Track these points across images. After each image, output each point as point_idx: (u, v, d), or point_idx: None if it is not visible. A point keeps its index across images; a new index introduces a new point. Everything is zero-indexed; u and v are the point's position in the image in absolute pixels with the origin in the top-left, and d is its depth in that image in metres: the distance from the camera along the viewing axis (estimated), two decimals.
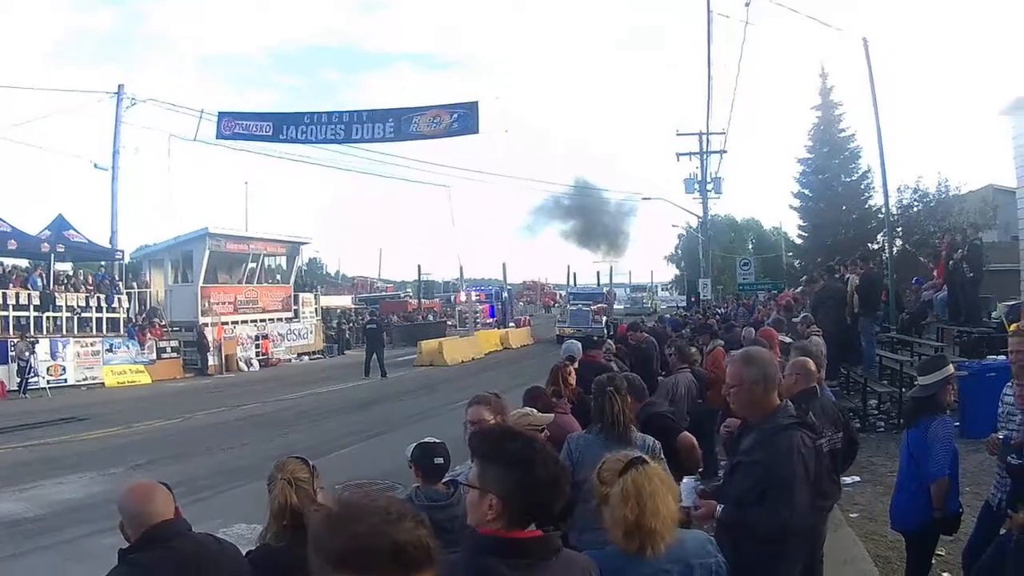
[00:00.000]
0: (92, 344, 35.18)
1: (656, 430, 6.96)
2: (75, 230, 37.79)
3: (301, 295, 50.68)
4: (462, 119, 40.53)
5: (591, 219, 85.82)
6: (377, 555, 2.16)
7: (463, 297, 69.02)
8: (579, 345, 13.92)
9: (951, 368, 7.73)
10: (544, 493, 3.34)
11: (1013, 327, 9.71)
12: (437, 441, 6.05)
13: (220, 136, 42.51)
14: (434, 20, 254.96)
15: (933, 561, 8.09)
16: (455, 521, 3.48)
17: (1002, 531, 7.07)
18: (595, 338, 16.80)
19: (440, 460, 5.90)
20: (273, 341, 46.01)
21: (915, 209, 50.10)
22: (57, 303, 35.37)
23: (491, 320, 68.26)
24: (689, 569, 4.11)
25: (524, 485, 3.30)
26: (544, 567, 3.28)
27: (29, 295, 34.31)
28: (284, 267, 51.28)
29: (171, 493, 4.63)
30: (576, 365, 11.69)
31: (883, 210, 37.53)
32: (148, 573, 4.18)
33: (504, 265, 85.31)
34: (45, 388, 31.44)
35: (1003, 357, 15.06)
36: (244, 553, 4.99)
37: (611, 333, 32.96)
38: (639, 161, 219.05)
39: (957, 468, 7.50)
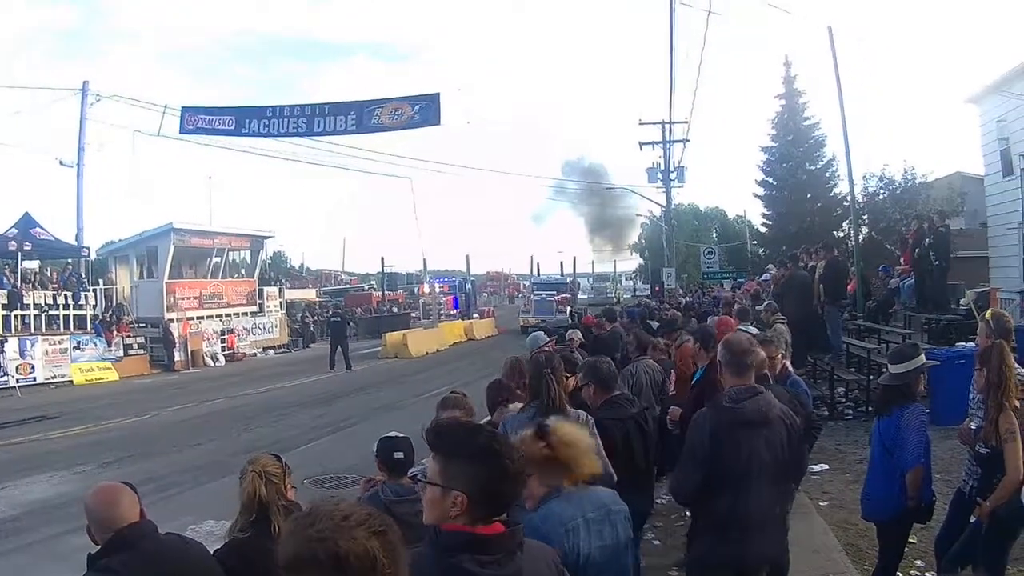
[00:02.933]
0: (60, 342, 34.91)
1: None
2: (42, 228, 37.50)
3: (266, 289, 50.59)
4: (423, 111, 40.41)
5: (604, 209, 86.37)
6: (319, 561, 2.19)
7: (427, 289, 69.46)
8: (544, 336, 13.96)
9: (923, 357, 7.76)
10: (510, 486, 3.36)
11: (988, 313, 9.80)
12: (400, 435, 6.09)
13: (183, 131, 42.13)
14: (392, 10, 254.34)
15: (905, 549, 8.14)
16: (420, 515, 3.49)
17: (972, 519, 7.17)
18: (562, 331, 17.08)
19: (400, 455, 5.93)
20: (238, 335, 45.89)
21: (881, 197, 50.16)
22: (25, 301, 35.11)
23: (455, 311, 68.77)
24: (608, 513, 4.64)
25: (492, 479, 3.30)
26: (510, 561, 3.28)
27: None
28: (248, 261, 51.01)
29: (136, 494, 4.64)
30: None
31: (848, 198, 37.74)
32: None
33: (467, 256, 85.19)
34: (15, 387, 31.27)
35: (972, 344, 15.20)
36: (213, 552, 5.04)
37: (575, 323, 33.21)
38: (600, 150, 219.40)
39: (929, 456, 7.54)
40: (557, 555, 3.71)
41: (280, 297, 52.87)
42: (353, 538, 2.21)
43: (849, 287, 25.54)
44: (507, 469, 3.32)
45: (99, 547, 4.38)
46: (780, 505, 6.23)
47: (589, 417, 6.94)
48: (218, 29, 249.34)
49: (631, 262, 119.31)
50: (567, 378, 7.68)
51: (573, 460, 4.46)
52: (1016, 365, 7.19)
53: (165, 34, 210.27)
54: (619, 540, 4.67)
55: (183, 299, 43.37)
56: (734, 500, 5.83)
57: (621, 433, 7.45)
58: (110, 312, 39.76)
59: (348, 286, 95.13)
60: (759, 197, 66.96)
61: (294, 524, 2.34)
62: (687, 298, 44.16)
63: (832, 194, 61.00)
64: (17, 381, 31.70)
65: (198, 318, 43.62)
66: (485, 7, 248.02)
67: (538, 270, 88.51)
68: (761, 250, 70.15)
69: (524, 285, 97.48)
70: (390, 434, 6.13)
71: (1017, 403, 6.86)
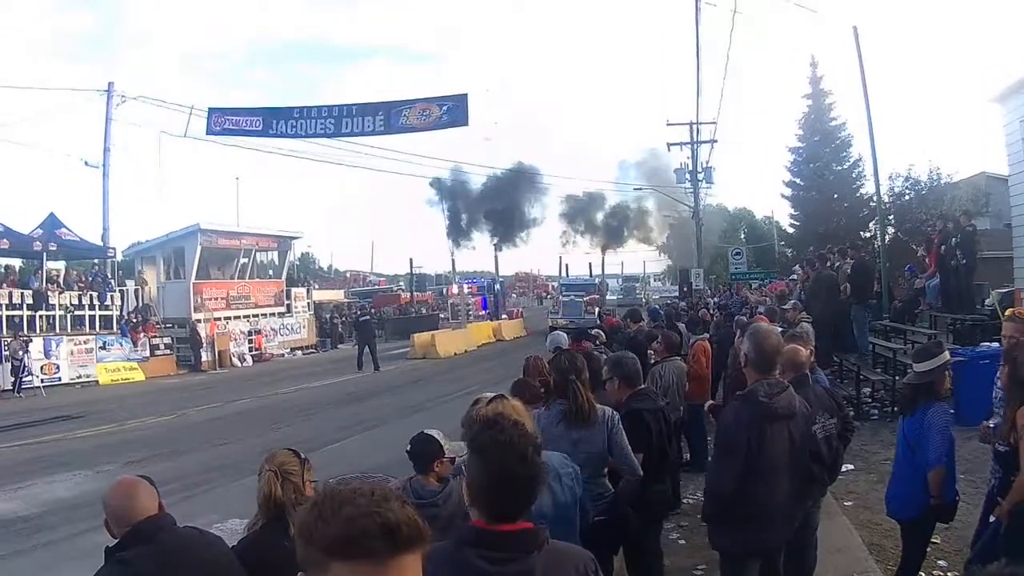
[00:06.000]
0: (85, 342, 35.08)
1: (628, 428, 7.09)
2: (67, 228, 37.62)
3: (293, 290, 50.70)
4: (451, 111, 40.46)
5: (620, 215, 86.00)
6: (371, 536, 2.13)
7: (455, 290, 69.25)
8: (565, 336, 13.93)
9: (947, 355, 7.71)
10: (509, 484, 3.31)
11: (1008, 312, 9.73)
12: (427, 432, 6.03)
13: (210, 132, 42.28)
14: (412, 12, 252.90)
15: (928, 549, 8.08)
16: (436, 521, 3.46)
17: (991, 518, 7.12)
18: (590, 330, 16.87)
19: (419, 451, 5.89)
20: (266, 336, 46.04)
21: (907, 197, 49.88)
22: (50, 302, 35.26)
23: (484, 312, 68.46)
24: (558, 476, 5.19)
25: (491, 475, 3.32)
26: (525, 561, 3.24)
27: (22, 294, 34.26)
28: (276, 262, 51.05)
29: (155, 488, 4.61)
30: None
31: (875, 198, 37.59)
32: (134, 570, 4.17)
33: (496, 257, 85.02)
34: (39, 387, 31.40)
35: (997, 344, 15.12)
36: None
37: (601, 323, 33.16)
38: (629, 151, 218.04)
39: (953, 456, 7.49)
40: (592, 560, 3.60)
41: (308, 298, 52.95)
42: (393, 509, 2.19)
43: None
44: (504, 466, 3.31)
45: (116, 540, 4.37)
46: (798, 491, 6.50)
47: (615, 413, 7.05)
48: (237, 34, 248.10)
49: (660, 263, 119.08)
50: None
51: None
52: None
53: (185, 39, 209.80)
54: (567, 499, 5.22)
55: (210, 299, 43.60)
56: (764, 490, 6.09)
57: (655, 423, 7.58)
58: (136, 313, 39.92)
59: (377, 287, 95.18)
60: (786, 198, 66.94)
61: (321, 510, 2.24)
62: (716, 299, 44.00)
63: (859, 194, 60.72)
64: (42, 381, 31.86)
65: (225, 319, 43.84)
66: (507, 8, 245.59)
67: (567, 271, 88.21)
68: (789, 251, 69.87)
69: (553, 286, 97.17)
70: (422, 432, 6.09)
71: None
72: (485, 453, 3.38)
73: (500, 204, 79.18)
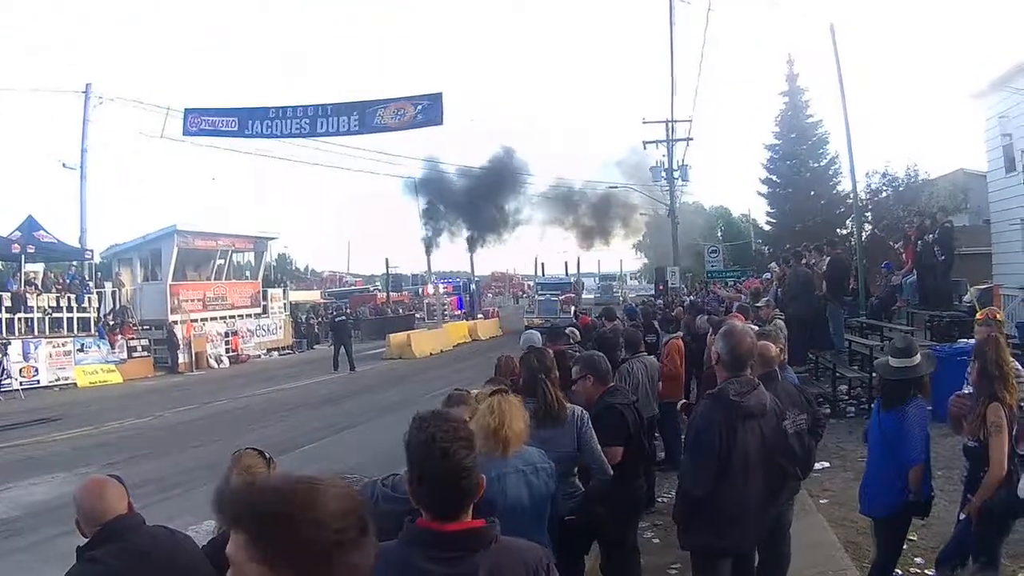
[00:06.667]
0: (64, 344, 34.93)
1: (604, 425, 7.18)
2: (45, 230, 37.37)
3: (270, 291, 50.72)
4: (426, 111, 40.36)
5: (604, 206, 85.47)
6: (231, 509, 2.21)
7: (431, 289, 69.38)
8: (538, 335, 13.99)
9: (919, 356, 7.75)
10: (429, 482, 3.36)
11: (979, 315, 9.79)
12: None
13: (187, 132, 42.07)
14: (393, 10, 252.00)
15: (905, 546, 8.11)
16: (397, 517, 3.49)
17: (961, 516, 7.18)
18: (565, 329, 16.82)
19: None
20: (242, 337, 45.88)
21: (884, 194, 49.96)
22: (28, 304, 35.11)
23: (459, 312, 68.77)
24: (536, 469, 5.39)
25: (421, 475, 3.42)
26: (470, 559, 3.26)
27: (0, 297, 34.15)
28: (252, 263, 50.78)
29: (124, 487, 4.67)
30: None
31: (852, 195, 37.71)
32: (105, 569, 4.24)
33: (472, 257, 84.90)
34: (18, 389, 31.29)
35: (974, 341, 15.20)
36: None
37: (576, 322, 33.19)
38: (605, 150, 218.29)
39: (929, 452, 7.52)
40: (545, 556, 3.60)
41: (284, 299, 52.96)
42: (254, 488, 2.29)
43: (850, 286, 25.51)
44: (424, 464, 3.38)
45: (87, 539, 4.41)
46: (770, 489, 6.50)
47: (584, 412, 7.08)
48: (217, 35, 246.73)
49: (637, 261, 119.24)
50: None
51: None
52: (1014, 361, 7.21)
53: (164, 38, 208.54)
54: (543, 492, 5.36)
55: (187, 301, 43.37)
56: (736, 488, 6.09)
57: (632, 417, 7.63)
58: (113, 315, 39.82)
59: (353, 287, 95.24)
60: (763, 195, 67.02)
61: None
62: (692, 297, 44.02)
63: (836, 191, 60.83)
64: (20, 384, 31.74)
65: (202, 320, 43.68)
66: (482, 7, 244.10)
67: (543, 270, 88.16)
68: (766, 248, 69.95)
69: (529, 285, 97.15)
70: None
71: (1013, 394, 6.85)
72: (410, 451, 3.47)
73: (479, 201, 79.07)
